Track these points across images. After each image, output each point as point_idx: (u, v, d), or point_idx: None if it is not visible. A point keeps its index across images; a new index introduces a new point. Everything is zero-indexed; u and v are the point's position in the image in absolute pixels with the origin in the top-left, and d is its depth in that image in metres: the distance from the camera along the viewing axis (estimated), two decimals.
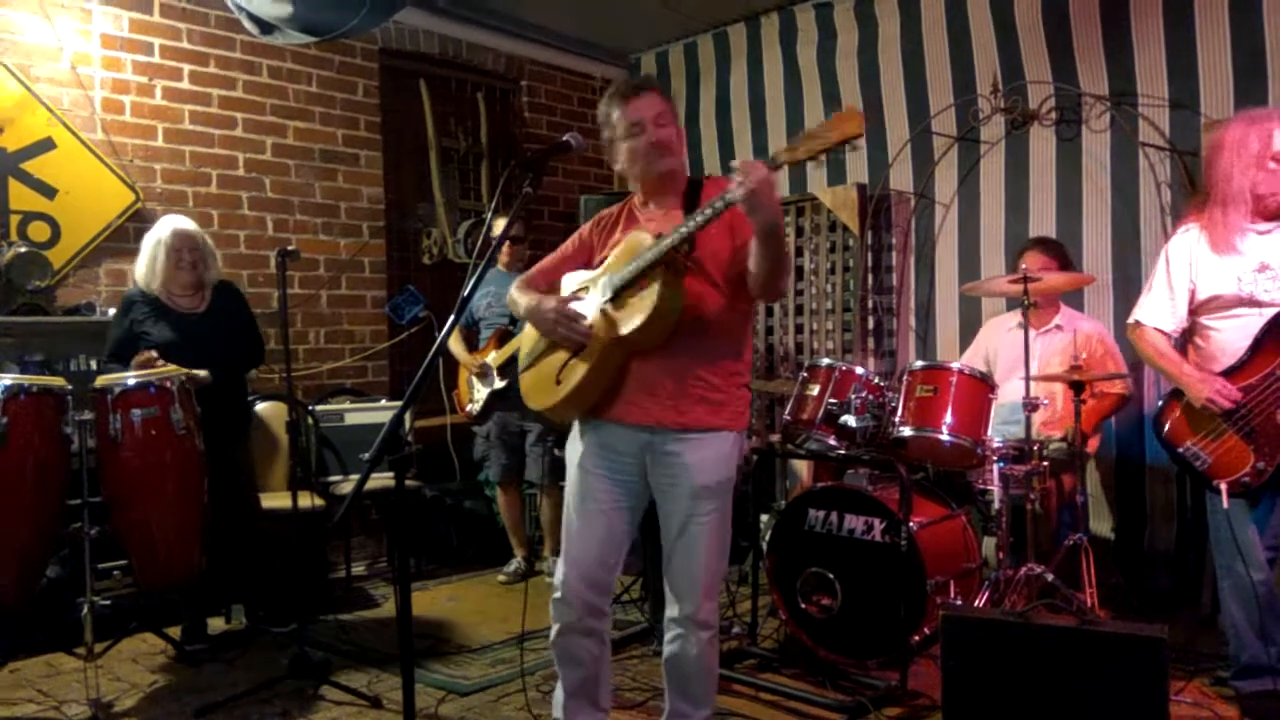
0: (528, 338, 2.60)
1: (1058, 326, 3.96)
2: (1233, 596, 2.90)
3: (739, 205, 2.11)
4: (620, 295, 2.34)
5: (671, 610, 2.49)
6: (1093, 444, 3.89)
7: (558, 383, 2.44)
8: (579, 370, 2.39)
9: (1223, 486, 2.81)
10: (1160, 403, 3.02)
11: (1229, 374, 2.84)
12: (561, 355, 2.45)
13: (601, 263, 2.48)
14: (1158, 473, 4.23)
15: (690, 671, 2.50)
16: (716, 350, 2.41)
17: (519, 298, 2.55)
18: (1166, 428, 2.96)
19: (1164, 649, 2.31)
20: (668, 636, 2.51)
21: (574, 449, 2.53)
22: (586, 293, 2.46)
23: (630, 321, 2.30)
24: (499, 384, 4.49)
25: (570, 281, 2.55)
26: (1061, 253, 4.01)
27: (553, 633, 2.52)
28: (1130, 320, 3.08)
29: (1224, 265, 2.87)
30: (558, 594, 2.49)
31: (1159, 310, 3.00)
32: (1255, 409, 2.78)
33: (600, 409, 2.43)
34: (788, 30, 5.55)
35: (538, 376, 2.53)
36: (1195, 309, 2.96)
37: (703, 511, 2.39)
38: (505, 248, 4.73)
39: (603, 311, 2.37)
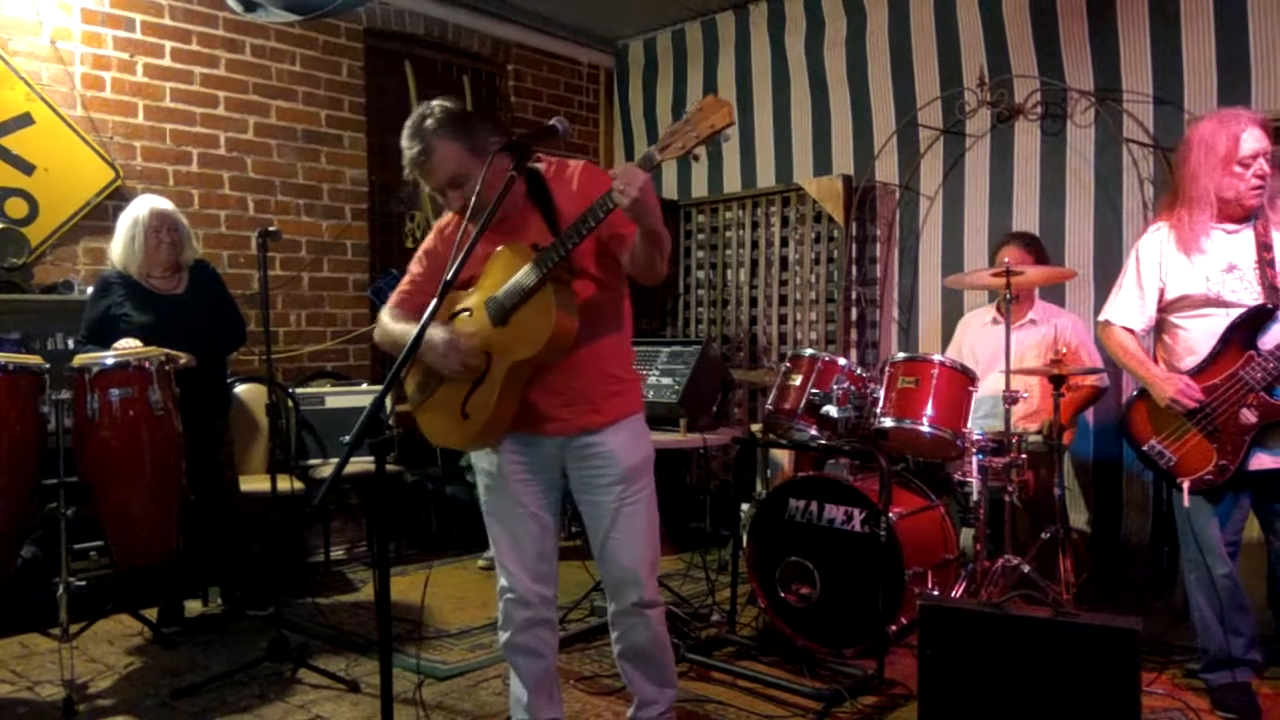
0: (414, 372, 2.43)
1: (1031, 321, 3.99)
2: (1199, 590, 2.93)
3: (624, 213, 2.06)
4: (510, 315, 2.24)
5: (617, 603, 2.46)
6: (1068, 436, 3.92)
7: (465, 416, 2.32)
8: (488, 399, 2.27)
9: (1185, 485, 2.85)
10: (1127, 401, 3.04)
11: (1194, 374, 2.86)
12: (460, 386, 2.32)
13: (470, 281, 2.35)
14: (1134, 467, 4.27)
15: (652, 653, 2.50)
16: (611, 338, 2.39)
17: (393, 329, 2.42)
18: (1132, 426, 2.99)
19: (1137, 641, 2.34)
20: (617, 632, 2.50)
21: (485, 459, 2.46)
22: (469, 315, 2.33)
23: (533, 341, 2.19)
24: None
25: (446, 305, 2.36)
26: (1038, 247, 4.03)
27: (508, 634, 2.48)
28: (1099, 319, 3.10)
29: (1193, 265, 2.88)
30: (512, 595, 2.45)
31: (1128, 309, 3.01)
32: (1219, 408, 2.80)
33: (520, 425, 2.35)
34: (776, 19, 5.54)
35: (439, 414, 2.39)
36: (1164, 307, 2.97)
37: (633, 493, 2.38)
38: None
39: (498, 335, 2.26)
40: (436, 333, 2.25)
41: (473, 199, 2.18)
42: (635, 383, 2.48)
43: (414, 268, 2.53)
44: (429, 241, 2.52)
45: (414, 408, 2.46)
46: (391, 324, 2.46)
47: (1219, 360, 2.82)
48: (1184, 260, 2.89)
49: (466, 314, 2.35)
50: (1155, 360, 3.01)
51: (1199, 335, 2.89)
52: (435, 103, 2.32)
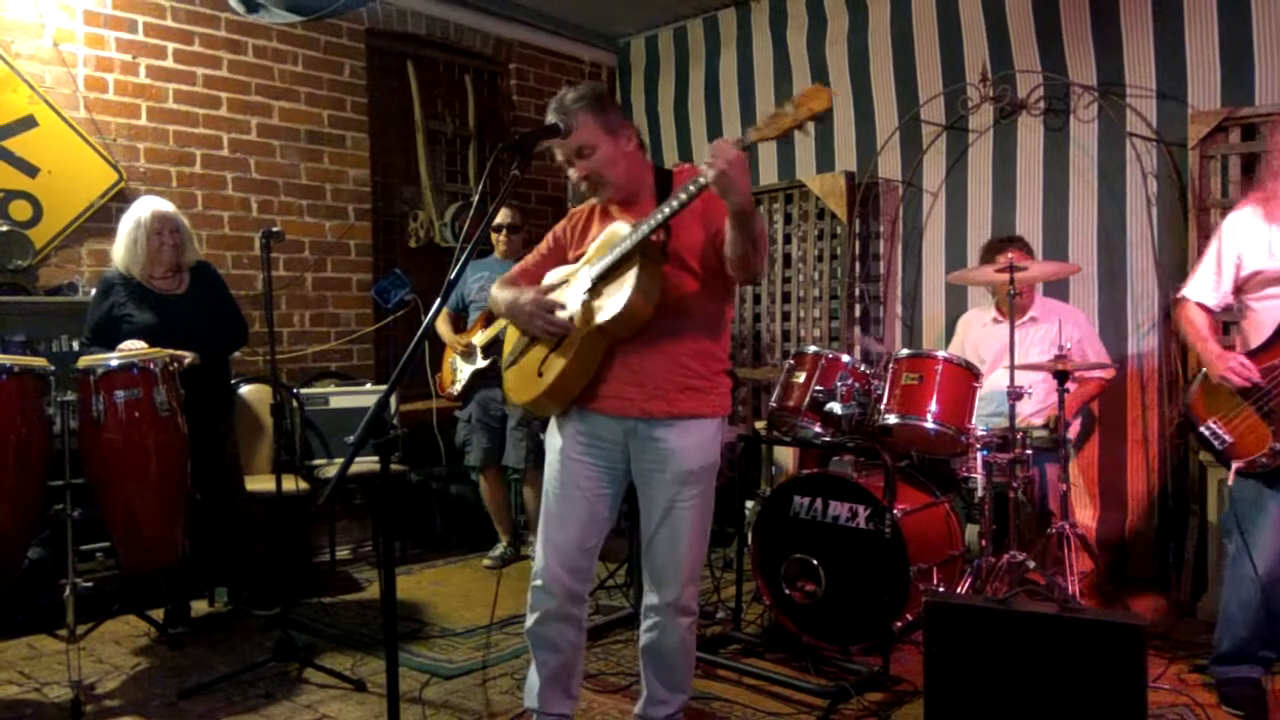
0: (511, 334, 2.61)
1: (1033, 319, 3.98)
2: (1231, 583, 2.90)
3: (712, 187, 2.12)
4: (598, 285, 2.35)
5: (651, 598, 2.49)
6: (1073, 429, 3.92)
7: (539, 375, 2.44)
8: (559, 362, 2.39)
9: (1234, 466, 2.80)
10: (1192, 384, 3.00)
11: (1255, 353, 2.82)
12: (543, 349, 2.45)
13: (580, 257, 2.48)
14: (1139, 462, 4.26)
15: (670, 658, 2.51)
16: (698, 338, 2.41)
17: (499, 295, 2.56)
18: (1193, 408, 2.94)
19: (1142, 636, 2.33)
20: (646, 624, 2.52)
21: (554, 434, 2.53)
22: (568, 285, 2.47)
23: (607, 310, 2.30)
24: (482, 363, 4.50)
25: (552, 276, 2.55)
26: (1030, 251, 4.03)
27: (531, 620, 2.51)
28: (1177, 295, 3.07)
29: (1271, 239, 2.83)
30: (538, 581, 2.48)
31: (1203, 285, 2.97)
32: (1276, 389, 2.76)
33: (585, 399, 2.43)
34: (777, 15, 5.52)
35: (521, 371, 2.53)
36: (1240, 286, 2.92)
37: (687, 496, 2.40)
38: (501, 236, 4.73)
39: (583, 302, 2.37)
40: (525, 294, 2.45)
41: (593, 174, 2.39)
42: (718, 387, 2.47)
43: (541, 247, 2.67)
44: (559, 226, 2.65)
45: (505, 366, 2.61)
46: (499, 291, 2.58)
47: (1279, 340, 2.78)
48: (1264, 234, 2.85)
49: (567, 284, 2.47)
50: (1235, 349, 2.96)
51: (1271, 316, 2.84)
52: (582, 84, 2.46)
